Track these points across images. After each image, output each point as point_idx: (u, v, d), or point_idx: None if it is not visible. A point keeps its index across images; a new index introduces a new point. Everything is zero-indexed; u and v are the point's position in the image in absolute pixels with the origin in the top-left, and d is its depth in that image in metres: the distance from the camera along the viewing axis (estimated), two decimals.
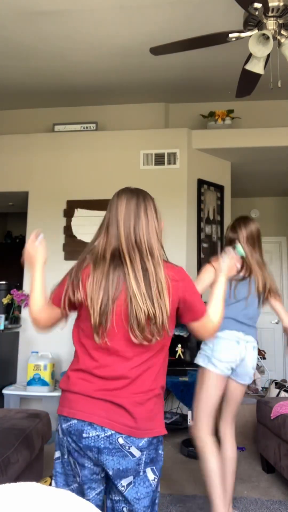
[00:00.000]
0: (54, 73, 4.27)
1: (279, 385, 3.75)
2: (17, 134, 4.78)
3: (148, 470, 1.33)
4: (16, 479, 1.95)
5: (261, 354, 4.54)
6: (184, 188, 4.48)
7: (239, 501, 2.64)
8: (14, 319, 4.27)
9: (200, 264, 4.53)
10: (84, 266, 1.38)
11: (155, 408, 1.35)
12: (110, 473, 1.31)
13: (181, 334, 3.98)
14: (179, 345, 3.93)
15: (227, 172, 4.94)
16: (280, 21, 2.52)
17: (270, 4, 2.44)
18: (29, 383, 3.85)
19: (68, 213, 4.53)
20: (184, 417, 3.90)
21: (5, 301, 4.19)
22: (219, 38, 2.72)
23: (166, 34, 3.51)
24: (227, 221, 4.92)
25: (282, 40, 2.60)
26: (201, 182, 4.65)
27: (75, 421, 1.31)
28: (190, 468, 3.17)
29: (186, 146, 4.52)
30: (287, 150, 4.54)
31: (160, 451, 1.38)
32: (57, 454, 1.39)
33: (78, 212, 4.51)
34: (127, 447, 1.30)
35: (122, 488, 1.31)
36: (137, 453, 1.30)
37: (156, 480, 1.35)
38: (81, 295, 1.35)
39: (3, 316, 4.03)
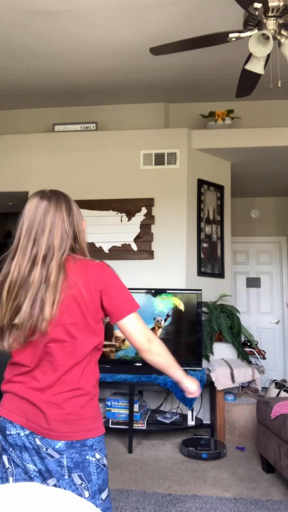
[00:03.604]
0: (54, 73, 4.27)
1: (279, 385, 3.75)
2: (17, 134, 4.78)
3: (75, 476, 1.27)
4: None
5: (261, 354, 4.54)
6: (184, 188, 4.48)
7: (239, 501, 2.64)
8: None
9: (200, 264, 4.53)
10: None
11: (77, 411, 1.29)
12: (36, 472, 1.30)
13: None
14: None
15: (227, 172, 4.94)
16: (280, 21, 2.52)
17: (270, 4, 2.44)
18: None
19: None
20: (184, 417, 3.90)
21: None
22: (219, 38, 2.72)
23: (166, 34, 3.51)
24: (227, 221, 4.92)
25: (282, 40, 2.60)
26: (201, 182, 4.65)
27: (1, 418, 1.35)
28: (190, 468, 3.17)
29: (186, 146, 4.52)
30: (287, 150, 4.54)
31: (88, 457, 1.28)
32: None
33: None
34: (44, 449, 1.27)
35: (50, 483, 1.29)
36: (55, 455, 1.27)
37: (84, 485, 1.27)
38: None
39: None
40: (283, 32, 2.58)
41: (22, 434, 1.29)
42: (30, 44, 3.75)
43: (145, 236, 4.40)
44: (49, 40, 3.70)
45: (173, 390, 3.60)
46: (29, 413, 1.29)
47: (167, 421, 3.79)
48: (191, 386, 1.50)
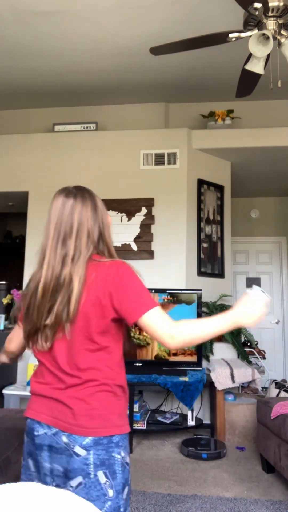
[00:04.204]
0: (54, 73, 4.27)
1: (279, 385, 3.75)
2: (17, 134, 4.78)
3: (100, 474, 1.25)
4: (16, 479, 1.95)
5: (261, 354, 4.54)
6: (184, 188, 4.48)
7: (239, 501, 2.64)
8: (14, 319, 4.27)
9: (200, 264, 4.53)
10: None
11: (103, 406, 1.29)
12: (61, 473, 1.29)
13: None
14: None
15: (227, 172, 4.94)
16: (280, 21, 2.52)
17: (270, 4, 2.44)
18: (29, 383, 3.84)
19: None
20: (184, 417, 3.90)
21: (5, 301, 4.19)
22: (219, 38, 2.72)
23: (166, 34, 3.51)
24: (227, 221, 4.92)
25: (282, 40, 2.60)
26: (201, 182, 4.65)
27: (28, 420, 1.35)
28: (190, 468, 3.17)
29: (186, 146, 4.52)
30: (287, 150, 4.54)
31: (114, 454, 1.27)
32: (22, 459, 1.39)
33: None
34: (71, 446, 1.26)
35: (71, 489, 1.26)
36: (82, 452, 1.25)
37: (109, 483, 1.25)
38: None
39: (3, 316, 4.03)
40: (283, 32, 2.58)
41: (49, 433, 1.29)
42: (30, 44, 3.75)
43: (145, 236, 4.40)
44: (49, 40, 3.71)
45: (173, 390, 3.60)
46: (56, 411, 1.29)
47: (167, 421, 3.79)
48: (246, 322, 1.30)
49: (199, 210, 4.61)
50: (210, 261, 4.66)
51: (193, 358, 3.91)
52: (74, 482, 1.26)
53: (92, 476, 1.25)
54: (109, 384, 1.31)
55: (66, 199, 1.38)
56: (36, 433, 1.32)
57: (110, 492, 1.26)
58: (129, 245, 4.40)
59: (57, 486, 1.30)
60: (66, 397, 1.29)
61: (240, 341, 4.32)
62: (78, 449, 1.26)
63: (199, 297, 3.97)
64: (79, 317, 1.28)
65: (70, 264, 1.31)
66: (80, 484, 1.25)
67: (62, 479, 1.28)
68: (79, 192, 1.41)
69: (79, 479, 1.25)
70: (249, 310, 1.30)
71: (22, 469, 1.37)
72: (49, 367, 1.33)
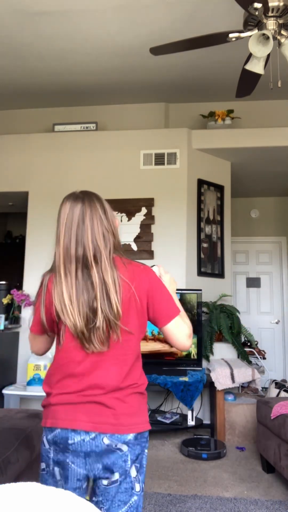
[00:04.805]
0: (54, 73, 4.27)
1: (279, 385, 3.75)
2: (17, 134, 4.78)
3: (133, 468, 1.34)
4: (16, 479, 1.95)
5: (261, 354, 4.54)
6: (184, 188, 4.48)
7: (239, 501, 2.64)
8: (14, 319, 4.27)
9: (200, 264, 4.53)
10: (46, 283, 1.39)
11: (137, 404, 1.38)
12: (96, 473, 1.32)
13: None
14: None
15: (227, 172, 4.94)
16: (280, 21, 2.52)
17: (270, 4, 2.44)
18: (29, 383, 3.85)
19: None
20: (184, 417, 3.90)
21: (5, 301, 4.19)
22: (219, 38, 2.72)
23: (166, 34, 3.51)
24: (227, 221, 4.92)
25: (282, 40, 2.60)
26: (201, 182, 4.65)
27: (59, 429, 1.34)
28: (190, 468, 3.17)
29: (186, 146, 4.52)
30: (287, 150, 4.54)
31: (145, 449, 1.38)
32: (42, 465, 1.39)
33: None
34: (113, 445, 1.31)
35: (106, 482, 1.31)
36: (124, 447, 1.32)
37: (137, 478, 1.34)
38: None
39: (3, 316, 4.03)
40: (283, 32, 2.58)
41: (87, 439, 1.30)
42: (30, 44, 3.75)
43: (145, 236, 4.40)
44: (49, 40, 3.71)
45: (173, 390, 3.60)
46: (94, 414, 1.31)
47: (167, 421, 3.79)
48: (174, 287, 1.54)
49: (199, 210, 4.61)
50: (210, 261, 4.66)
51: (193, 358, 3.91)
52: (114, 477, 1.32)
53: (128, 471, 1.32)
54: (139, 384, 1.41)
55: (74, 204, 1.39)
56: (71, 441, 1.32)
57: (137, 487, 1.33)
58: (129, 245, 4.40)
59: (95, 479, 1.35)
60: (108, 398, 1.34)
61: (240, 341, 4.32)
62: (120, 446, 1.32)
63: (199, 297, 3.97)
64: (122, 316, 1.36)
65: (94, 265, 1.33)
66: (116, 481, 1.31)
67: (101, 472, 1.32)
68: (86, 197, 1.42)
69: (117, 475, 1.32)
70: (169, 281, 1.54)
71: (44, 475, 1.38)
72: None
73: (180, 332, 1.41)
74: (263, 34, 2.45)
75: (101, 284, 1.31)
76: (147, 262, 4.85)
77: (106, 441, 1.30)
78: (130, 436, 1.32)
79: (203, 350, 4.05)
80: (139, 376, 1.42)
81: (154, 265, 1.56)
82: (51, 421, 1.34)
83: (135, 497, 1.32)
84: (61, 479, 1.34)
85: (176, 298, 1.47)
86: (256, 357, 4.45)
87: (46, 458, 1.37)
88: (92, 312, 1.31)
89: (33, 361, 3.91)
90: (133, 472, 1.33)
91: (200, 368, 3.90)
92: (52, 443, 1.34)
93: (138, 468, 1.34)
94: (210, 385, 3.84)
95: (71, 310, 1.31)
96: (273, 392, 3.70)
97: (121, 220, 4.44)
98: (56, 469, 1.34)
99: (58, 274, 1.35)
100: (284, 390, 3.62)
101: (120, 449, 1.31)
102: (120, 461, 1.31)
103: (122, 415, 1.32)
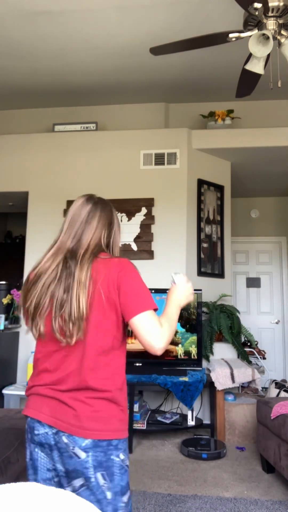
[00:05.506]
0: (54, 73, 4.27)
1: (279, 385, 3.75)
2: (17, 134, 4.78)
3: (99, 475, 1.26)
4: (16, 479, 1.95)
5: (261, 354, 4.54)
6: (184, 188, 4.48)
7: (239, 501, 2.64)
8: (14, 319, 4.27)
9: (200, 264, 4.53)
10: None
11: (106, 409, 1.29)
12: (62, 473, 1.29)
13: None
14: (179, 345, 3.93)
15: (227, 172, 4.94)
16: (280, 21, 2.52)
17: (270, 4, 2.44)
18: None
19: None
20: (184, 417, 3.90)
21: (5, 301, 4.19)
22: (219, 38, 2.72)
23: (166, 34, 3.51)
24: (227, 221, 4.93)
25: (282, 40, 2.60)
26: (201, 182, 4.65)
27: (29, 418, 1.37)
28: (190, 468, 3.17)
29: (186, 146, 4.52)
30: (287, 150, 4.54)
31: (112, 457, 1.27)
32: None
33: None
34: (71, 447, 1.26)
35: (71, 489, 1.27)
36: (81, 454, 1.25)
37: (107, 485, 1.25)
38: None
39: (3, 316, 4.03)
40: (283, 32, 2.58)
41: (50, 432, 1.30)
42: (30, 44, 3.75)
43: (145, 236, 4.40)
44: (49, 40, 3.71)
45: (173, 390, 3.60)
46: (56, 410, 1.30)
47: (167, 421, 3.79)
48: (186, 301, 1.52)
49: (199, 210, 4.61)
50: (210, 261, 4.66)
51: (193, 358, 3.91)
52: (77, 482, 1.27)
53: (92, 479, 1.25)
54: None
55: (86, 203, 1.48)
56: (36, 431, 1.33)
57: (108, 494, 1.26)
58: (129, 245, 4.40)
59: (60, 485, 1.30)
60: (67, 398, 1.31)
61: (240, 341, 4.32)
62: (77, 451, 1.27)
63: (199, 297, 3.97)
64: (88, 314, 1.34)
65: (73, 260, 1.37)
66: (82, 485, 1.26)
67: (66, 479, 1.29)
68: (100, 203, 1.50)
69: (80, 480, 1.26)
70: (183, 293, 1.52)
71: (27, 465, 1.39)
72: None
73: (147, 330, 1.28)
74: (263, 34, 2.45)
75: (72, 280, 1.32)
76: (147, 262, 4.84)
77: (65, 440, 1.28)
78: (87, 442, 1.25)
79: (203, 350, 4.05)
80: (109, 377, 1.31)
81: (178, 273, 1.57)
82: (24, 409, 1.38)
83: (110, 506, 1.25)
84: (32, 460, 1.34)
85: (176, 310, 1.44)
86: (256, 357, 4.45)
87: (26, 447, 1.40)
88: (59, 304, 1.32)
89: (33, 361, 3.90)
90: (100, 480, 1.25)
91: (200, 368, 3.90)
92: (27, 431, 1.36)
93: (105, 476, 1.26)
94: (210, 385, 3.84)
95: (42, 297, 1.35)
96: (273, 392, 3.70)
97: (121, 220, 4.44)
98: (28, 450, 1.36)
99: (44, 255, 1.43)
100: (284, 390, 3.62)
101: (77, 456, 1.25)
102: (81, 468, 1.25)
103: (86, 418, 1.26)
